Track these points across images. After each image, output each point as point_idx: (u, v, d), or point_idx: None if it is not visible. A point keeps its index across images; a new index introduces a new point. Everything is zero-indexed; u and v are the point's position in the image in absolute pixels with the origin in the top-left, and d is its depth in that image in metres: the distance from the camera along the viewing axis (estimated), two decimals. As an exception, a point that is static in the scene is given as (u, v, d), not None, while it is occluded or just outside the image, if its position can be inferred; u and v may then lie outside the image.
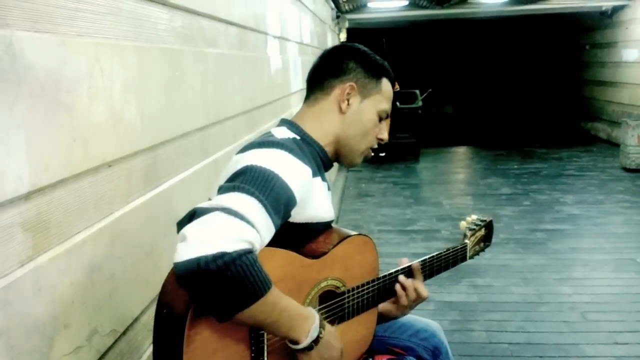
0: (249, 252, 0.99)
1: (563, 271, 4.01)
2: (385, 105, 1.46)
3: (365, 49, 1.48)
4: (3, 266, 0.94)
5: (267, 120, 3.05)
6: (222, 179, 1.22)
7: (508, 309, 3.43)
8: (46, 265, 1.05)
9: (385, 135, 1.49)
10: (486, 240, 1.75)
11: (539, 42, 14.10)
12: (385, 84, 1.46)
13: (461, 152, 9.94)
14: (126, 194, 1.39)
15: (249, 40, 2.77)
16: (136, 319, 1.45)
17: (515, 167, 7.93)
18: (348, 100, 1.41)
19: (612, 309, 3.38)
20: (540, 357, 2.86)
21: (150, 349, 1.52)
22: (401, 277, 1.47)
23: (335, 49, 1.50)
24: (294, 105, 4.12)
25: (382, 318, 1.53)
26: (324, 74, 1.44)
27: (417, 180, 7.63)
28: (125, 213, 1.38)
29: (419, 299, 1.48)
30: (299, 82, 4.34)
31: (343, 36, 9.64)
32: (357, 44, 1.50)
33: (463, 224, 1.71)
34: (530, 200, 6.07)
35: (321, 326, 1.15)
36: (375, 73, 1.44)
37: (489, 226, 1.75)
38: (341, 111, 1.41)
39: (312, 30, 5.74)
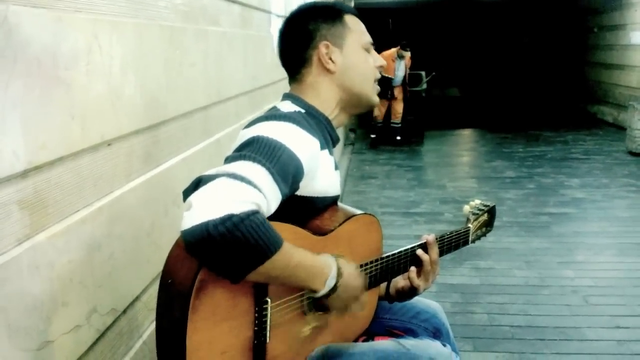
0: (256, 212, 0.98)
1: (566, 255, 4.00)
2: (364, 38, 1.42)
3: (311, 1, 1.42)
4: (0, 244, 0.93)
5: (271, 100, 3.03)
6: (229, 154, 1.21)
7: (510, 292, 3.43)
8: (44, 244, 1.04)
9: (381, 61, 1.45)
10: (488, 225, 1.75)
11: (546, 24, 13.94)
12: (350, 19, 1.41)
13: (466, 135, 9.89)
14: (126, 172, 1.38)
15: (252, 19, 2.74)
16: (137, 298, 1.45)
17: (521, 150, 7.89)
18: (330, 58, 1.37)
19: (615, 293, 3.38)
20: (541, 339, 2.86)
21: (151, 328, 1.53)
22: (419, 251, 1.48)
23: (290, 20, 1.43)
24: (298, 86, 4.07)
25: (404, 294, 1.53)
26: (295, 49, 1.40)
27: (421, 162, 7.61)
28: (125, 192, 1.37)
29: (434, 264, 1.49)
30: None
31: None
32: (301, 5, 1.45)
33: (467, 208, 1.71)
34: (535, 183, 6.05)
35: (339, 274, 1.15)
36: (335, 17, 1.39)
37: (491, 211, 1.75)
38: (330, 72, 1.38)
39: (317, 10, 5.68)
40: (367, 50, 1.43)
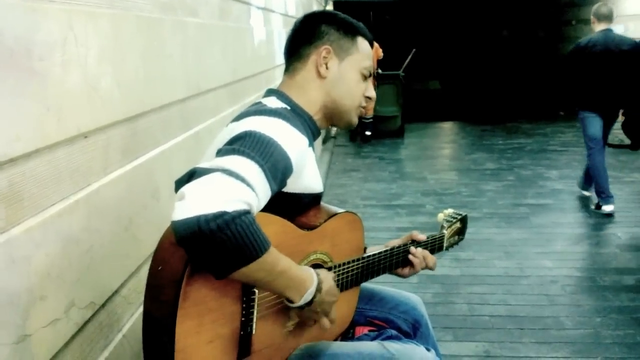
0: (247, 212, 0.99)
1: (545, 245, 4.05)
2: (367, 63, 1.44)
3: (338, 12, 1.46)
4: (-26, 238, 0.92)
5: (251, 93, 3.02)
6: (214, 148, 1.20)
7: (490, 282, 3.47)
8: (20, 237, 1.03)
9: (372, 93, 1.48)
10: (460, 233, 1.80)
11: (525, 17, 14.05)
12: (362, 42, 1.44)
13: (447, 128, 9.95)
14: (103, 165, 1.37)
15: (231, 11, 2.72)
16: (115, 292, 1.44)
17: (500, 142, 7.96)
18: (326, 64, 1.39)
19: (593, 283, 3.43)
20: (521, 329, 2.90)
21: (131, 322, 1.52)
22: (412, 249, 1.56)
23: (307, 16, 1.47)
24: (278, 79, 4.06)
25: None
26: (298, 42, 1.42)
27: (403, 155, 7.64)
28: (102, 185, 1.35)
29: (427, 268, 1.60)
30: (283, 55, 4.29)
31: (329, 9, 9.51)
32: (330, 10, 1.47)
33: (440, 216, 1.75)
34: (514, 175, 6.11)
35: (318, 289, 1.17)
36: (349, 32, 1.42)
37: (463, 220, 1.80)
38: (320, 76, 1.39)
39: (298, 2, 5.66)
40: (364, 76, 1.45)
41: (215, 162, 1.05)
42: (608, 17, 4.51)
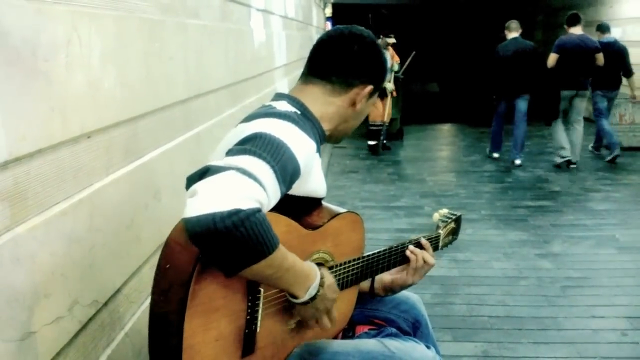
0: (259, 210, 1.01)
1: (543, 247, 4.07)
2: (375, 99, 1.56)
3: (377, 43, 1.48)
4: (-20, 235, 0.93)
5: (251, 94, 3.03)
6: (223, 148, 1.21)
7: (488, 283, 3.48)
8: (25, 236, 1.04)
9: (372, 115, 1.56)
10: (455, 233, 1.81)
11: (523, 20, 14.08)
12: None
13: (445, 130, 9.97)
14: (106, 165, 1.38)
15: (231, 12, 2.74)
16: (118, 290, 1.45)
17: (499, 144, 7.96)
18: (362, 99, 1.45)
19: (591, 284, 3.45)
20: (519, 329, 2.92)
21: (133, 320, 1.53)
22: (411, 247, 1.58)
23: (361, 42, 1.42)
24: (278, 80, 4.09)
25: (391, 290, 1.60)
26: (347, 67, 1.41)
27: (401, 157, 7.65)
28: (105, 185, 1.37)
29: (427, 266, 1.58)
30: (283, 57, 4.31)
31: (328, 11, 9.54)
32: (371, 37, 1.46)
33: (436, 216, 1.77)
34: (512, 177, 6.14)
35: (321, 284, 1.20)
36: (383, 80, 1.51)
37: (458, 220, 1.81)
38: (355, 109, 1.44)
39: (297, 5, 5.68)
40: (375, 104, 1.52)
41: (228, 161, 1.07)
42: (516, 29, 6.74)
